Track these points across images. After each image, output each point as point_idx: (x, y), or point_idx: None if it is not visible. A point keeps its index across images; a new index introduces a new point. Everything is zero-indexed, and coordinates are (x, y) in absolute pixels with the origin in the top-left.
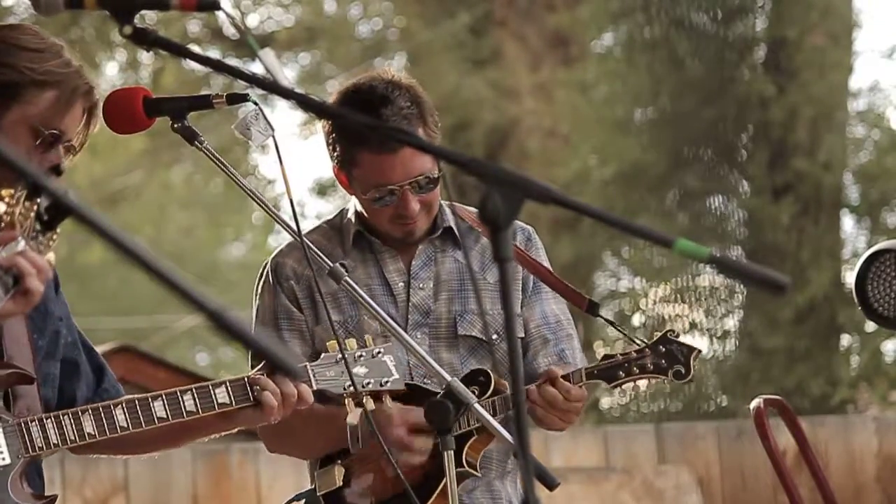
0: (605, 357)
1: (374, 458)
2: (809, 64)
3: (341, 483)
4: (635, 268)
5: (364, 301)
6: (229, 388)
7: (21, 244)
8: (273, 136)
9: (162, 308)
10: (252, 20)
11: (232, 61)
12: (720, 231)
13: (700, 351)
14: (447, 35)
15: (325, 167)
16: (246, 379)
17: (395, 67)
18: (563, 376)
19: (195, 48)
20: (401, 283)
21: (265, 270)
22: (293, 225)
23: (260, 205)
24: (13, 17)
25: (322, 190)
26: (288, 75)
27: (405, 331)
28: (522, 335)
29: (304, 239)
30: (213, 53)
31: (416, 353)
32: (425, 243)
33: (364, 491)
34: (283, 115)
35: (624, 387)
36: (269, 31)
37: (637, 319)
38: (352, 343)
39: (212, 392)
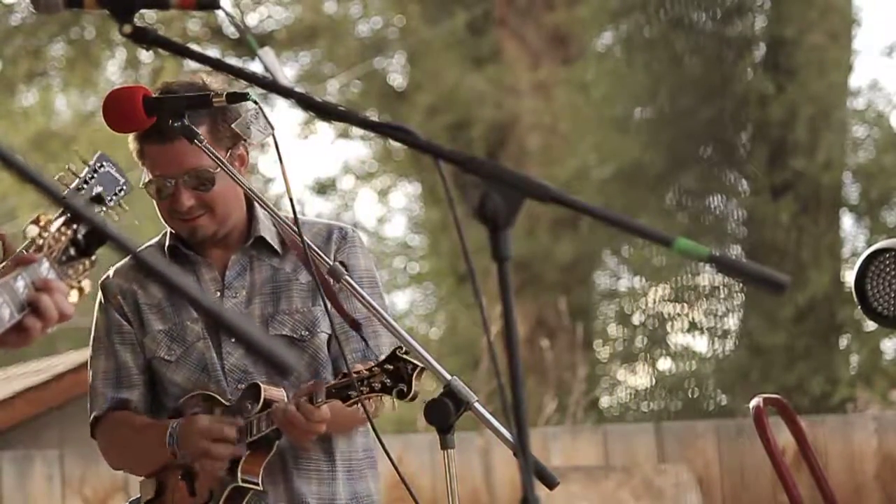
0: (343, 375)
1: (187, 470)
2: (809, 63)
3: (152, 495)
4: (635, 267)
5: (364, 300)
6: None
7: (44, 266)
8: (273, 135)
9: None
10: (251, 19)
11: (231, 60)
12: (719, 230)
13: (423, 368)
14: (447, 33)
15: (325, 166)
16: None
17: (394, 65)
18: (308, 397)
19: (195, 47)
20: (216, 293)
21: (98, 291)
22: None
23: (260, 204)
24: (13, 16)
25: (322, 189)
26: (287, 74)
27: (219, 342)
28: (329, 331)
29: (305, 239)
30: (213, 52)
31: (417, 353)
32: (238, 253)
33: (173, 500)
34: (283, 114)
35: (368, 403)
36: (268, 30)
37: (637, 319)
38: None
39: None
